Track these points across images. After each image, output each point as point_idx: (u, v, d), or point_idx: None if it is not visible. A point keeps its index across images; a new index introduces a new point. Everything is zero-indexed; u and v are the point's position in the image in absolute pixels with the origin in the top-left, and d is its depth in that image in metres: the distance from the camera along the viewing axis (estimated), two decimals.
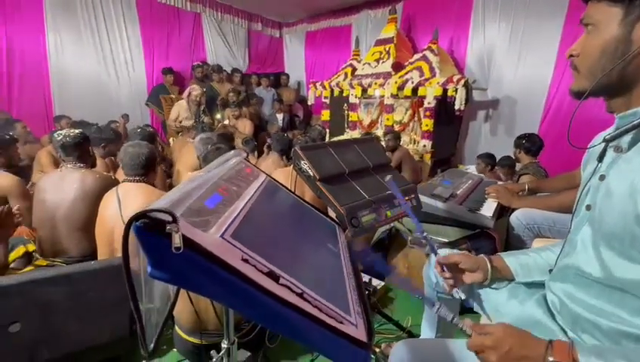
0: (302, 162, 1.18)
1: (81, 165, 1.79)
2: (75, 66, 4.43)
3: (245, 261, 0.49)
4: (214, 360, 0.69)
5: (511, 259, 0.88)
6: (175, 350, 1.40)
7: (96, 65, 4.62)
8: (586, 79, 0.61)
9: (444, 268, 0.86)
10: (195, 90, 4.47)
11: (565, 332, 0.68)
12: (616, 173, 0.61)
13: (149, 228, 0.42)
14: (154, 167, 1.71)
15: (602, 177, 0.64)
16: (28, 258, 1.75)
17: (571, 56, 0.64)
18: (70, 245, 1.74)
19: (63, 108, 4.25)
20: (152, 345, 0.54)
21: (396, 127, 4.18)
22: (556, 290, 0.72)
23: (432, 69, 3.86)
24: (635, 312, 0.57)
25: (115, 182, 1.78)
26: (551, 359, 0.51)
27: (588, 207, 0.67)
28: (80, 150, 1.79)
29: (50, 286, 1.09)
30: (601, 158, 0.66)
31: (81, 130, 1.90)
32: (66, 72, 4.36)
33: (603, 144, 0.65)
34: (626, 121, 0.59)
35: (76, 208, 1.71)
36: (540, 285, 0.81)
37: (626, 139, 0.60)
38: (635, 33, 0.55)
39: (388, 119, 4.22)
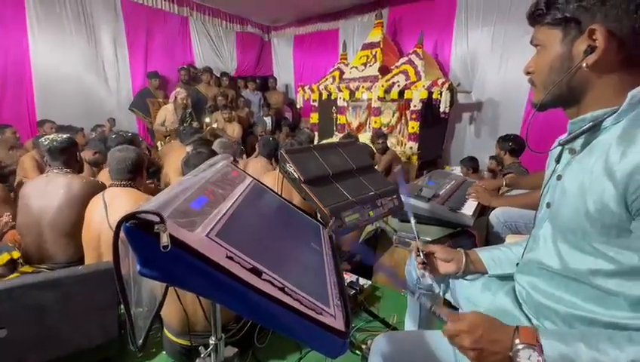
0: (287, 165, 1.22)
1: (68, 170, 1.78)
2: (58, 69, 4.32)
3: (230, 258, 0.52)
4: (202, 355, 0.72)
5: (484, 254, 0.94)
6: (164, 353, 1.41)
7: (81, 69, 4.52)
8: (541, 92, 0.69)
9: (420, 254, 0.92)
10: (180, 93, 4.45)
11: (530, 320, 0.74)
12: (570, 173, 0.67)
13: (138, 229, 0.45)
14: (141, 172, 1.71)
15: (559, 177, 0.70)
16: (13, 265, 1.73)
17: (528, 73, 0.71)
18: (56, 251, 1.72)
19: (46, 112, 4.13)
20: (140, 341, 0.57)
21: (383, 130, 4.25)
22: (522, 282, 0.78)
23: (417, 73, 3.95)
24: (588, 299, 0.63)
25: (102, 187, 1.77)
26: (517, 341, 0.57)
27: (548, 205, 0.73)
28: (67, 155, 1.78)
29: (38, 291, 1.09)
30: (558, 160, 0.73)
31: (68, 134, 1.89)
32: (49, 74, 4.25)
33: (560, 147, 0.72)
34: (577, 127, 0.66)
35: (63, 213, 1.70)
36: (511, 278, 0.87)
37: (579, 142, 0.67)
38: (574, 50, 0.62)
39: (375, 122, 4.29)
